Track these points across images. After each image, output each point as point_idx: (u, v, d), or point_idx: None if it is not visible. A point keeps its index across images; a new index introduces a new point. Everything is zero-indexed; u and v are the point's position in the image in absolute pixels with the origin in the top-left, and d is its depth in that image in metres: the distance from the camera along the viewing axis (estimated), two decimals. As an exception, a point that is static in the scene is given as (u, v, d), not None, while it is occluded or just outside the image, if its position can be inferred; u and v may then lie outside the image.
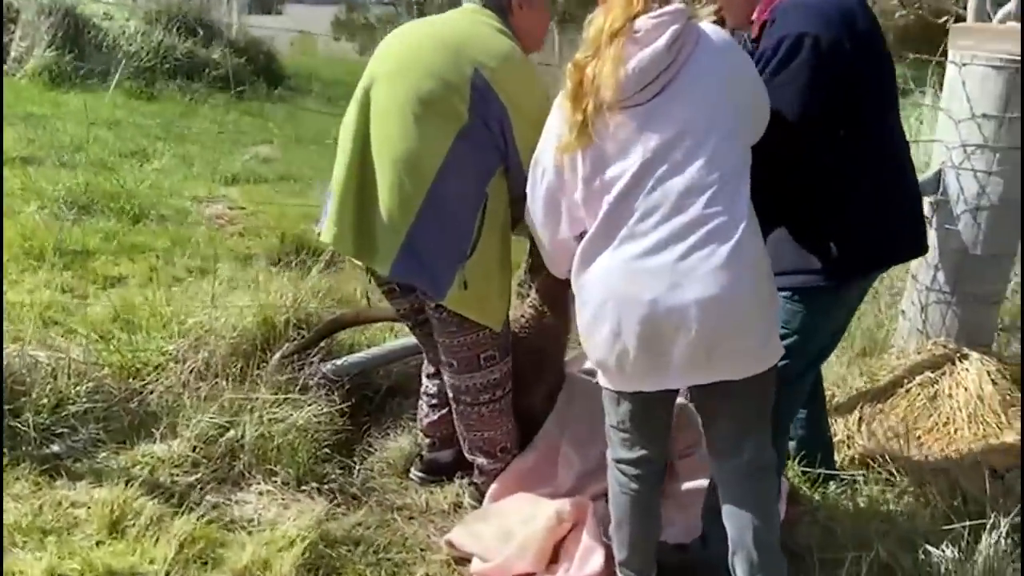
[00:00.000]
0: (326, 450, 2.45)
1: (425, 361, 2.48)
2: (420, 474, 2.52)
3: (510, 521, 2.21)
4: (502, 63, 2.03)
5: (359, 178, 2.08)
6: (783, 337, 1.90)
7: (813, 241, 1.96)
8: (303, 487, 2.34)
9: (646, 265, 1.67)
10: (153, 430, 2.41)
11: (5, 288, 2.95)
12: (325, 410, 2.51)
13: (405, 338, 2.83)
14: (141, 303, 3.08)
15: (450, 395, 2.30)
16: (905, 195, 2.06)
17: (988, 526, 2.13)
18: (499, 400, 2.30)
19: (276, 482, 2.34)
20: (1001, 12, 3.40)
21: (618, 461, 1.96)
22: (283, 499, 2.30)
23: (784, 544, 1.92)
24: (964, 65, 2.92)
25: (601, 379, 1.88)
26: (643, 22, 1.68)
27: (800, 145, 1.86)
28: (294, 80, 10.73)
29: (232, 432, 2.38)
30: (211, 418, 2.39)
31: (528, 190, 1.93)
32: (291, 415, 2.45)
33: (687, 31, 1.70)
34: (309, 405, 2.50)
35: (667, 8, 1.71)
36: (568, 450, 2.43)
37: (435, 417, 2.47)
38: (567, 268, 1.90)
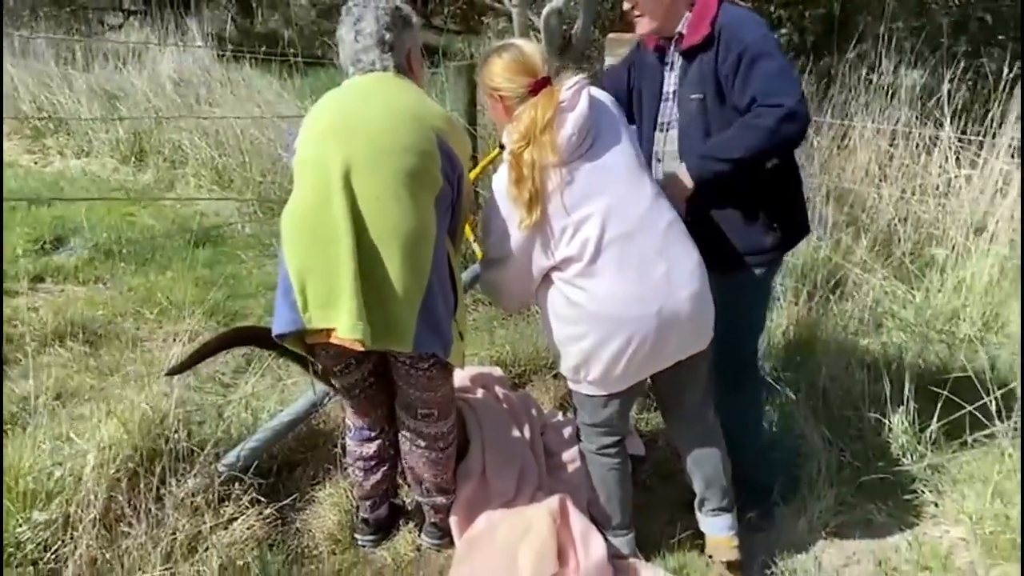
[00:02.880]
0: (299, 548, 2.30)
1: (355, 427, 2.44)
2: (370, 537, 2.52)
3: (504, 540, 2.40)
4: (449, 124, 2.14)
5: (364, 265, 1.99)
6: (756, 313, 2.50)
7: (781, 216, 2.34)
8: (291, 597, 2.20)
9: (648, 283, 2.08)
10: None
11: None
12: (265, 512, 2.33)
13: (281, 413, 2.69)
14: None
15: (421, 445, 2.35)
16: None
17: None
18: (456, 436, 2.45)
19: (261, 605, 2.15)
20: (548, 7, 4.26)
21: (600, 449, 2.35)
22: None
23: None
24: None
25: (590, 389, 2.23)
26: (564, 94, 2.09)
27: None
28: None
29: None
30: (163, 569, 2.06)
31: (495, 256, 2.21)
32: (236, 531, 2.24)
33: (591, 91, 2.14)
34: (243, 514, 2.29)
35: (575, 78, 2.13)
36: (495, 463, 2.66)
37: (377, 476, 2.47)
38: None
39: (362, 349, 2.03)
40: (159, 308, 4.08)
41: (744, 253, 2.33)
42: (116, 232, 5.17)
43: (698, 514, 2.45)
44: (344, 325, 1.99)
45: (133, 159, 6.80)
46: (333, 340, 2.03)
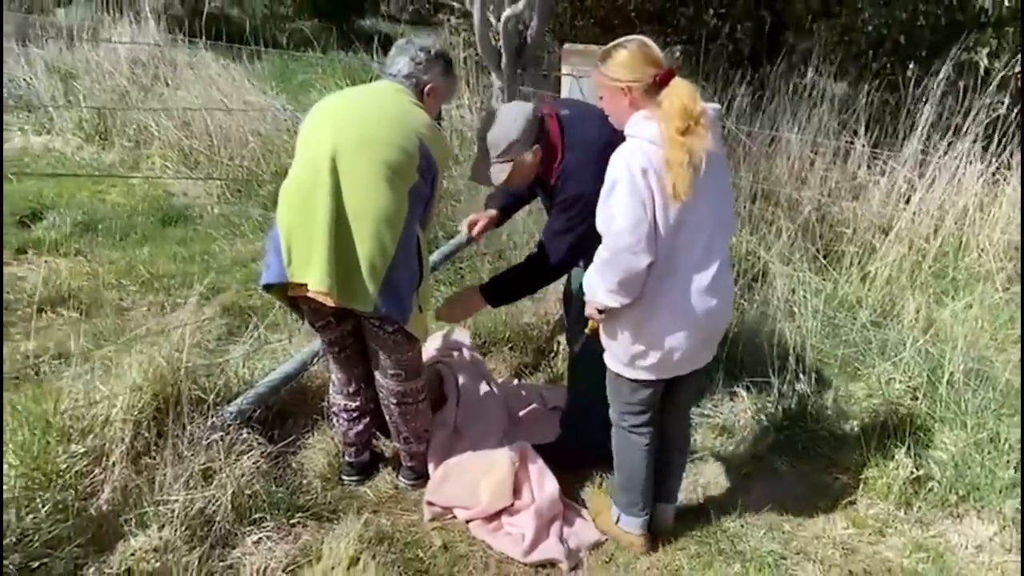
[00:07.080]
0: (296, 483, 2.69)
1: (340, 383, 2.82)
2: (354, 478, 2.92)
3: (470, 475, 2.84)
4: (433, 132, 2.54)
5: (338, 234, 2.39)
6: None
7: None
8: (293, 521, 2.59)
9: (714, 287, 2.32)
10: (125, 528, 2.34)
11: None
12: (268, 451, 2.72)
13: (280, 367, 3.08)
14: None
15: (393, 402, 2.76)
16: None
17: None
18: (427, 394, 2.87)
19: (268, 527, 2.54)
20: (508, 11, 4.71)
21: (635, 427, 2.57)
22: (285, 536, 2.54)
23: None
24: (580, 77, 4.17)
25: (635, 373, 2.43)
26: (709, 109, 2.21)
27: None
28: None
29: (216, 499, 2.48)
30: (186, 494, 2.43)
31: (630, 229, 2.19)
32: (244, 465, 2.62)
33: None
34: (249, 452, 2.68)
35: (712, 103, 2.28)
36: (465, 416, 3.11)
37: (360, 427, 2.88)
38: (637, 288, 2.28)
39: (332, 304, 2.44)
40: (141, 280, 4.38)
41: None
42: (89, 208, 5.42)
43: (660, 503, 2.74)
44: (315, 279, 2.40)
45: (97, 138, 6.97)
46: (309, 294, 2.44)
